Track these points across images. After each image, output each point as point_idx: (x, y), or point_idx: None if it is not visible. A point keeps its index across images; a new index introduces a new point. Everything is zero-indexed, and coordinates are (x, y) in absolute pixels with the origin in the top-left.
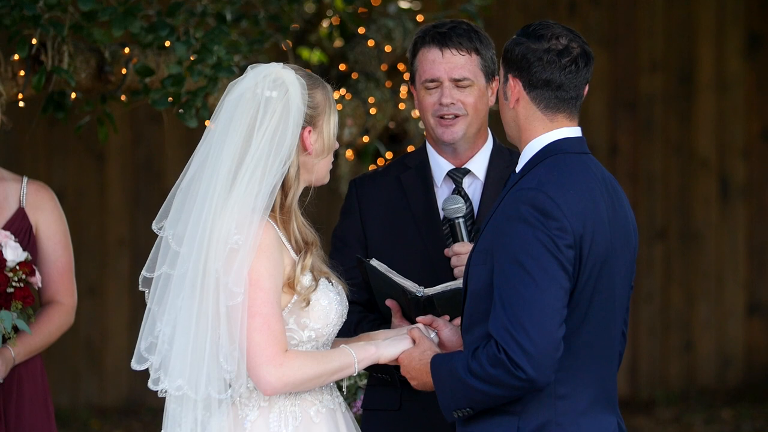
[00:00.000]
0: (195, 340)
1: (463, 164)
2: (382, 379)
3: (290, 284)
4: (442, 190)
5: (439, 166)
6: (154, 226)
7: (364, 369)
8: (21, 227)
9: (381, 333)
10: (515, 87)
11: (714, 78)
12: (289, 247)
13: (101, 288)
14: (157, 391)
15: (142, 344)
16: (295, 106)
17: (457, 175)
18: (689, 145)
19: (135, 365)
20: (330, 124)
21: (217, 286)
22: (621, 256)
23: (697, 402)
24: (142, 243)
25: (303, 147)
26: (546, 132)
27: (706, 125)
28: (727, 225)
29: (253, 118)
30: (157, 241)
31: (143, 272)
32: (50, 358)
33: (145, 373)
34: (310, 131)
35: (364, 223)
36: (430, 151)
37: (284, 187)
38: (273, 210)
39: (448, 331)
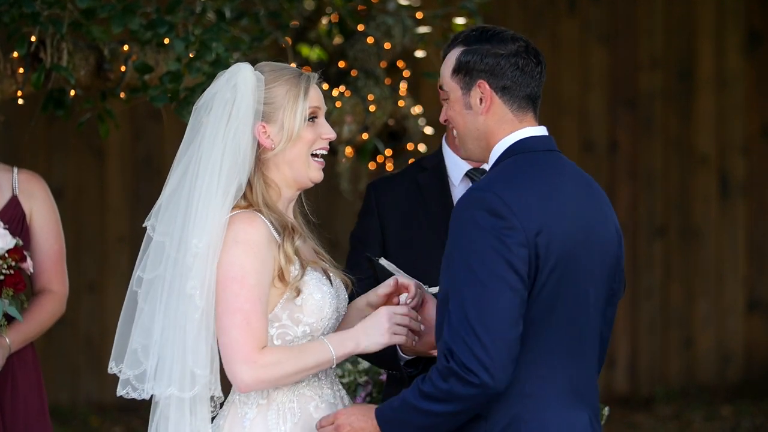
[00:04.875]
0: (183, 344)
1: (481, 165)
2: (393, 375)
3: (281, 276)
4: (459, 190)
5: (458, 165)
6: (146, 224)
7: (377, 366)
8: (14, 215)
9: (356, 310)
10: (485, 92)
11: (714, 75)
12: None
13: (101, 285)
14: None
15: (133, 346)
16: (244, 104)
17: (476, 174)
18: (689, 142)
19: (127, 371)
20: (295, 114)
21: (197, 290)
22: (592, 253)
23: (697, 399)
24: (142, 240)
25: (259, 143)
26: (513, 131)
27: (705, 122)
28: (726, 222)
29: (216, 122)
30: (144, 240)
31: (138, 273)
32: (49, 355)
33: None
34: (264, 126)
35: (383, 224)
36: (447, 152)
37: (250, 184)
38: (252, 206)
39: (432, 304)
